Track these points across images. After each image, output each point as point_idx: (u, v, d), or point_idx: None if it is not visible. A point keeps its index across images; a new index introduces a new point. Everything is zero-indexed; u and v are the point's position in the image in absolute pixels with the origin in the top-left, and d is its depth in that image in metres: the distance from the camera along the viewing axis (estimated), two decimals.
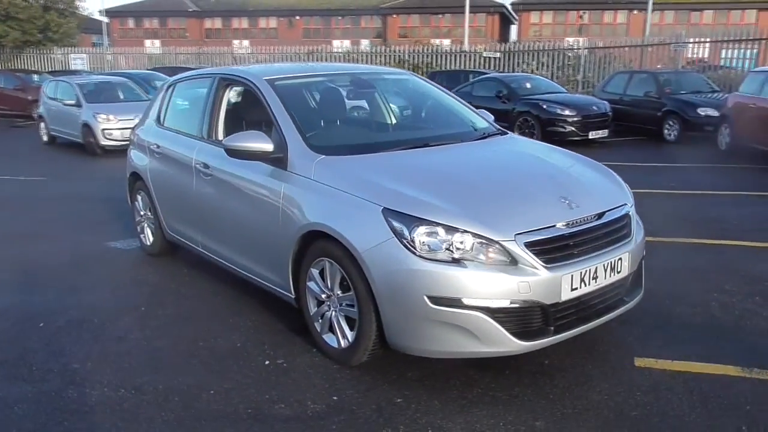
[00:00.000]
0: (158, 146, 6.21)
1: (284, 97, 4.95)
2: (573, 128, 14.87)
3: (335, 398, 3.86)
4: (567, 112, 15.00)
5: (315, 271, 4.30)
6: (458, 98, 6.05)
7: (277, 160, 4.58)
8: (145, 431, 3.57)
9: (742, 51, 21.01)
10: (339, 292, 4.17)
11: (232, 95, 5.71)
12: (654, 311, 4.97)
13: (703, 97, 15.77)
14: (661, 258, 5.96)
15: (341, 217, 4.03)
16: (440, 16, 51.82)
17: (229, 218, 5.17)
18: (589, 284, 3.87)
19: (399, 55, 29.40)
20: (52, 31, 35.91)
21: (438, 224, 3.70)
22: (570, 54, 25.98)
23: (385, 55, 29.93)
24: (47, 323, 5.06)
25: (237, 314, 5.16)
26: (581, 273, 3.81)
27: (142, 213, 6.81)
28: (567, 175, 4.62)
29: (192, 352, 4.54)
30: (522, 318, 3.72)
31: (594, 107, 15.55)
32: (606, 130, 15.32)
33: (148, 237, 6.77)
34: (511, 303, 3.64)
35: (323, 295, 4.29)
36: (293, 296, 4.57)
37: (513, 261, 3.67)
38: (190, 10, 57.90)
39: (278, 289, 4.73)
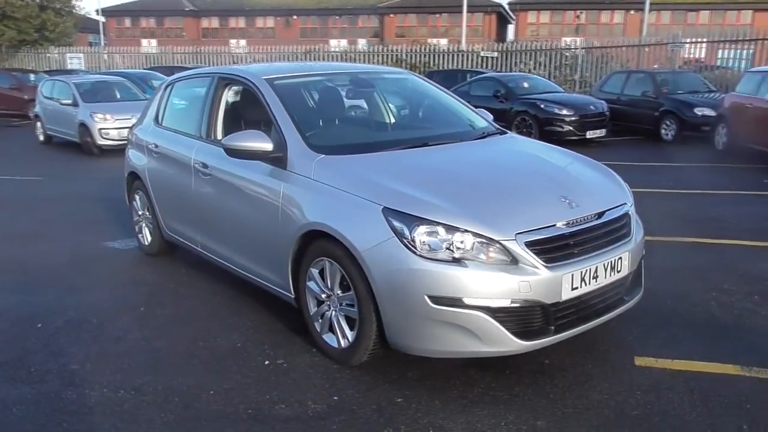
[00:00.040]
0: (156, 146, 6.19)
1: (284, 96, 4.94)
2: (570, 128, 14.88)
3: (336, 398, 3.85)
4: (565, 112, 15.01)
5: (315, 271, 4.29)
6: (457, 97, 6.04)
7: (277, 159, 4.56)
8: None
9: (738, 51, 21.03)
10: (339, 292, 4.16)
11: (231, 95, 5.70)
12: (653, 310, 4.96)
13: (700, 97, 15.79)
14: (659, 257, 5.96)
15: (341, 217, 4.02)
16: (437, 15, 51.87)
17: (228, 218, 5.15)
18: (589, 284, 3.87)
19: (396, 55, 29.41)
20: (48, 30, 35.80)
21: (438, 224, 3.69)
22: (567, 54, 25.99)
23: (382, 55, 29.94)
24: (45, 324, 5.04)
25: (236, 314, 5.15)
26: (581, 272, 3.81)
27: (140, 213, 6.80)
28: (567, 174, 4.62)
29: (191, 352, 4.53)
30: (523, 317, 3.71)
31: (591, 107, 15.56)
32: (603, 130, 15.33)
33: (146, 237, 6.75)
34: (511, 302, 3.64)
35: (323, 295, 4.28)
36: (293, 296, 4.56)
37: (513, 260, 3.67)
38: (187, 9, 57.87)
39: (278, 288, 4.72)
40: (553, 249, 3.78)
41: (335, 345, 4.25)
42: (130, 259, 6.77)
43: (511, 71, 25.44)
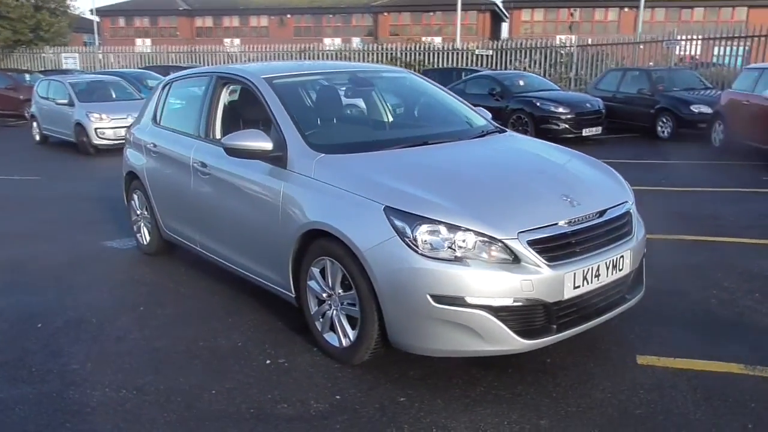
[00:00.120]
0: (155, 145, 6.18)
1: (283, 95, 4.93)
2: (566, 125, 14.88)
3: (338, 397, 3.85)
4: (561, 110, 15.01)
5: (316, 270, 4.28)
6: (456, 96, 6.03)
7: (277, 158, 4.55)
8: None
9: (733, 48, 21.05)
10: (340, 291, 4.15)
11: (229, 94, 5.69)
12: (654, 309, 4.96)
13: (696, 94, 15.81)
14: (659, 255, 5.94)
15: (342, 216, 4.01)
16: (431, 13, 51.91)
17: (227, 217, 5.14)
18: (591, 282, 3.86)
19: (391, 53, 29.40)
20: (43, 30, 35.77)
21: (440, 222, 3.68)
22: (562, 51, 26.01)
23: (377, 53, 29.94)
24: (45, 324, 5.03)
25: (236, 313, 5.14)
26: (584, 271, 3.81)
27: (138, 212, 6.78)
28: (568, 172, 4.62)
29: (192, 351, 4.51)
30: (525, 316, 3.71)
31: (587, 104, 15.55)
32: (599, 128, 15.31)
33: (145, 236, 6.73)
34: (514, 301, 3.63)
35: (324, 294, 4.27)
36: (293, 295, 4.55)
37: (516, 259, 3.66)
38: (181, 8, 57.83)
39: (278, 288, 4.71)
40: (555, 248, 3.77)
41: (337, 344, 4.24)
42: (128, 258, 6.76)
43: (506, 69, 25.42)
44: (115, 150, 12.99)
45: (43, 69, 31.86)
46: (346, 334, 4.17)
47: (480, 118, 5.63)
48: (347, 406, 3.76)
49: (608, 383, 3.94)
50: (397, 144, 4.81)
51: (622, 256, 4.07)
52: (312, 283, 4.34)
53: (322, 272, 4.24)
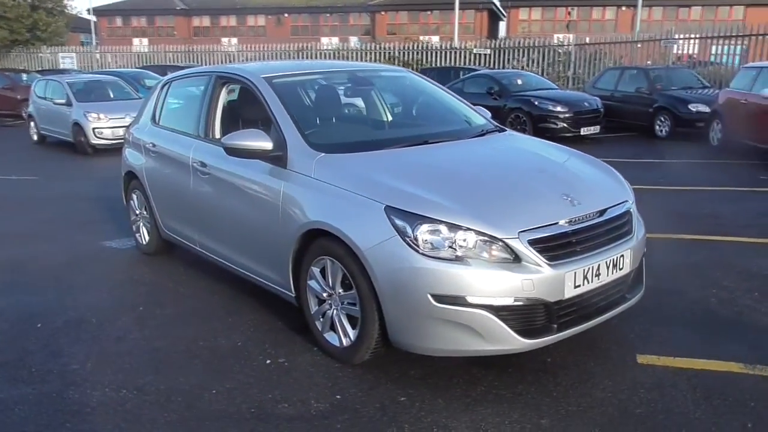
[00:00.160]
0: (154, 145, 6.17)
1: (283, 95, 4.92)
2: (565, 124, 14.90)
3: (338, 397, 3.84)
4: (559, 109, 15.03)
5: (316, 270, 4.27)
6: (456, 95, 6.03)
7: (277, 158, 4.55)
8: None
9: (730, 47, 21.07)
10: (340, 291, 4.15)
11: (229, 93, 5.68)
12: (654, 308, 4.97)
13: (694, 93, 15.82)
14: (658, 254, 5.94)
15: (343, 216, 4.01)
16: (428, 12, 51.88)
17: (227, 217, 5.14)
18: (591, 281, 3.86)
19: (389, 52, 29.40)
20: (40, 30, 35.75)
21: (441, 222, 3.68)
22: (560, 50, 26.02)
23: (375, 52, 29.94)
24: (45, 324, 5.02)
25: (236, 313, 5.14)
26: (584, 270, 3.81)
27: (137, 212, 6.77)
28: (568, 171, 4.61)
29: (192, 351, 4.51)
30: (526, 316, 3.71)
31: (585, 103, 15.55)
32: (597, 127, 15.32)
33: (144, 236, 6.73)
34: (514, 301, 3.63)
35: (324, 294, 4.27)
36: (293, 295, 4.54)
37: (516, 258, 3.66)
38: (178, 8, 57.81)
39: (278, 287, 4.70)
40: (556, 247, 3.77)
41: (337, 344, 4.24)
42: (127, 258, 6.75)
43: (504, 68, 25.43)
44: (113, 150, 13.03)
45: (40, 69, 31.77)
46: (346, 334, 4.17)
47: (479, 117, 5.63)
48: (348, 405, 3.76)
49: (609, 382, 3.94)
50: (396, 143, 4.80)
51: (623, 256, 4.07)
52: (312, 283, 4.34)
53: (323, 272, 4.23)
